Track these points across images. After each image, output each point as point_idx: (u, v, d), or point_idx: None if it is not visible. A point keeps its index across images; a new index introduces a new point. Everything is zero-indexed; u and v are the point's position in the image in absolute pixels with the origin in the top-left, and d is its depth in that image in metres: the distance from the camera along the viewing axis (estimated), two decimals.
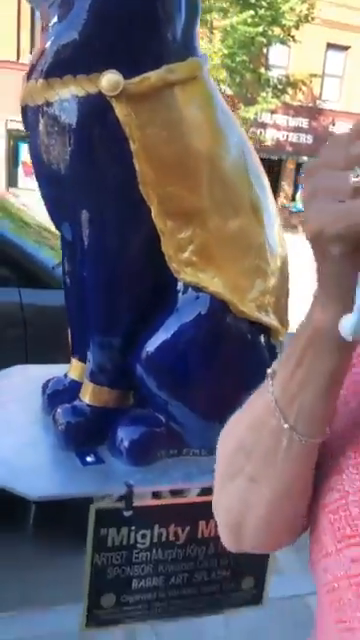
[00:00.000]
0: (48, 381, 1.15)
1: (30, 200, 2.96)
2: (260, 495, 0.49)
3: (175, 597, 0.95)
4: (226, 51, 13.90)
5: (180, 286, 0.92)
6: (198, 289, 0.91)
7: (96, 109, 0.83)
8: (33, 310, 2.36)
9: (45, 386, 1.14)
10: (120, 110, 0.82)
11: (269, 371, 0.47)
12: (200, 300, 0.91)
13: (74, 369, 1.09)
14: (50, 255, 2.53)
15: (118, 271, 0.92)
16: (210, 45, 14.33)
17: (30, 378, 1.25)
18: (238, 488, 0.50)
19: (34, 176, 0.95)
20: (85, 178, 0.87)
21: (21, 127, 1.03)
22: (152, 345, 0.92)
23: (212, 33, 14.52)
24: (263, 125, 16.48)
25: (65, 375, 1.12)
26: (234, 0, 14.01)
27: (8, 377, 1.30)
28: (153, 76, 0.82)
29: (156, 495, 1.13)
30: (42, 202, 0.96)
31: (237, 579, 0.98)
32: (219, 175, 0.89)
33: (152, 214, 0.86)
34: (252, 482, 0.49)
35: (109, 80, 0.80)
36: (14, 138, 14.88)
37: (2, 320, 2.33)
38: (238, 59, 14.23)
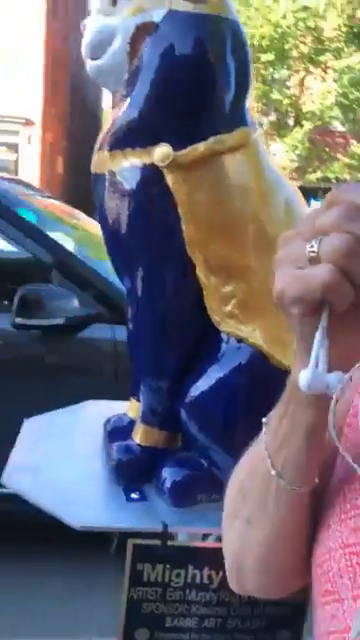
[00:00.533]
0: (110, 418, 1.24)
1: None
2: (254, 537, 0.52)
3: None
4: (340, 90, 13.88)
5: (224, 335, 0.98)
6: (240, 340, 0.96)
7: (151, 177, 0.92)
8: (125, 345, 2.50)
9: (107, 422, 1.23)
10: (170, 179, 0.91)
11: (264, 420, 0.50)
12: (241, 350, 0.96)
13: (132, 408, 1.18)
14: None
15: (167, 321, 1.00)
16: (324, 85, 14.42)
17: (99, 413, 1.35)
18: (237, 529, 0.54)
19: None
20: (140, 238, 0.96)
21: None
22: (195, 391, 0.98)
23: (326, 73, 14.61)
24: None
25: (125, 413, 1.21)
26: (349, 39, 14.02)
27: (80, 411, 1.41)
28: (201, 147, 0.90)
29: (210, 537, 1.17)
30: None
31: (272, 631, 0.98)
32: (263, 234, 0.94)
33: (197, 270, 0.94)
34: (248, 524, 0.52)
35: (160, 153, 0.90)
36: None
37: (97, 354, 2.49)
38: (352, 97, 14.12)
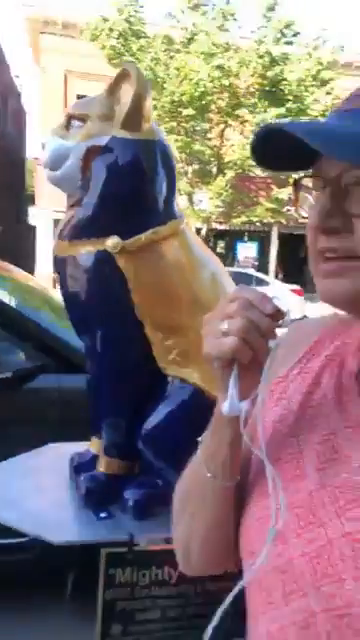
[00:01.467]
0: (74, 456, 1.46)
1: None
2: (198, 526, 0.72)
3: (170, 628, 1.20)
4: None
5: (169, 378, 1.25)
6: (182, 380, 1.23)
7: (104, 260, 1.20)
8: (70, 393, 2.68)
9: (72, 459, 1.45)
10: (120, 261, 1.18)
11: (199, 439, 0.71)
12: (184, 389, 1.23)
13: (94, 445, 1.41)
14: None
15: (122, 370, 1.25)
16: (242, 137, 15.42)
17: (60, 454, 1.56)
18: (185, 521, 0.74)
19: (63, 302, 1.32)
20: (99, 306, 1.23)
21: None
22: (149, 424, 1.23)
23: (244, 126, 15.66)
24: None
25: (87, 449, 1.44)
26: (262, 96, 15.17)
27: (42, 454, 1.62)
28: (142, 237, 1.19)
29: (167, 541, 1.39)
30: None
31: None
32: (195, 300, 1.22)
33: (145, 329, 1.21)
34: (192, 517, 0.70)
35: (111, 242, 1.18)
36: None
37: (43, 403, 2.64)
38: None
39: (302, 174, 0.65)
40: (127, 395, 1.28)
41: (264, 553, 0.58)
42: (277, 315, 0.59)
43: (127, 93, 1.18)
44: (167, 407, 1.24)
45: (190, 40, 13.98)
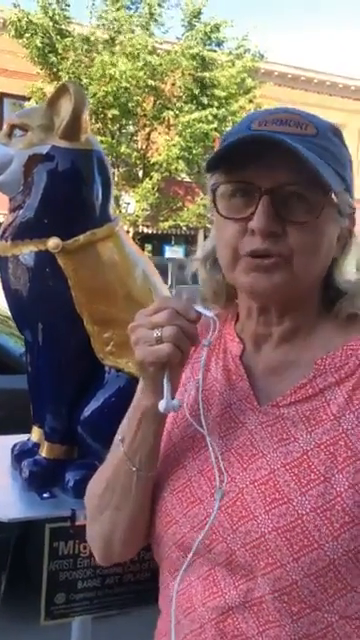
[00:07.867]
0: (15, 444, 1.54)
1: None
2: (123, 517, 0.77)
3: (110, 595, 1.32)
4: (184, 144, 15.08)
5: (107, 368, 1.36)
6: (118, 370, 1.35)
7: (45, 260, 1.30)
8: (2, 394, 2.72)
9: (14, 447, 1.53)
10: (61, 260, 1.29)
11: (119, 437, 0.76)
12: (120, 377, 1.35)
13: (35, 433, 1.50)
14: (18, 344, 2.94)
15: (63, 361, 1.36)
16: (168, 139, 15.62)
17: (0, 445, 1.63)
18: (108, 517, 0.77)
19: (4, 298, 1.40)
20: (39, 303, 1.33)
21: None
22: (88, 411, 1.35)
23: (169, 129, 15.88)
24: None
25: (28, 439, 1.52)
26: (188, 100, 15.45)
27: None
28: (81, 238, 1.30)
29: None
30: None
31: (156, 580, 1.35)
32: (130, 294, 1.35)
33: (84, 323, 1.32)
34: (117, 510, 0.76)
35: (52, 243, 1.28)
36: None
37: None
38: (195, 151, 15.43)
39: (220, 179, 0.70)
40: (67, 384, 1.38)
41: (213, 514, 0.69)
42: (198, 320, 0.68)
43: (66, 106, 1.28)
44: (104, 395, 1.36)
45: (113, 39, 13.94)
